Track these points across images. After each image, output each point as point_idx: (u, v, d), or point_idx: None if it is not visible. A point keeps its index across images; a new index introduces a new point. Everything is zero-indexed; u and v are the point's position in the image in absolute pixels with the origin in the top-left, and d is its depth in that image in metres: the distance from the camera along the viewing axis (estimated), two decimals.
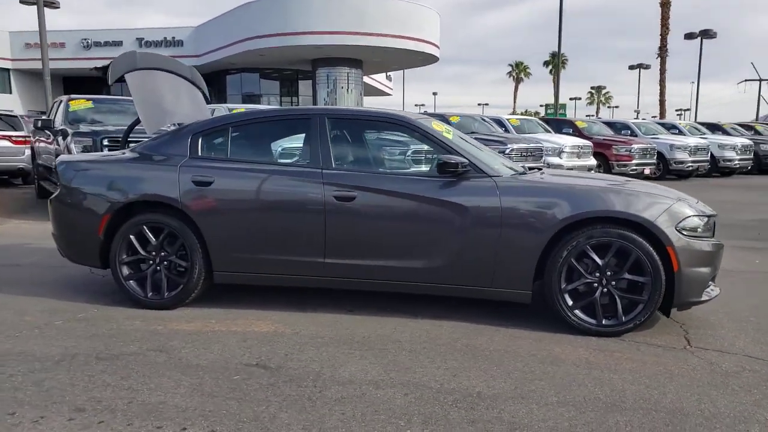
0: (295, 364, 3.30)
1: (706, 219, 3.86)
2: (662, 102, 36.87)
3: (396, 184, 4.03)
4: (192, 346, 3.53)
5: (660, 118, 31.59)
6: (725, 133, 20.67)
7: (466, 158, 3.96)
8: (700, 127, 20.92)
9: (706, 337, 3.81)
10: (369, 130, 4.54)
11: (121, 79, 4.81)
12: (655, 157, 15.83)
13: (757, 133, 21.68)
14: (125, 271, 4.27)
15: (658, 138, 17.21)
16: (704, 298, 3.84)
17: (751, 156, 18.70)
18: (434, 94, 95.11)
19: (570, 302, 3.82)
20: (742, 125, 22.47)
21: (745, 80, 40.60)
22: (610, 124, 18.54)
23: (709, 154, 17.30)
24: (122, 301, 4.34)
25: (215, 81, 35.07)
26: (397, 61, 33.44)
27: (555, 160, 13.15)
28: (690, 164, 16.60)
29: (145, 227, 4.21)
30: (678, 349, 3.61)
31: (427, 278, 4.00)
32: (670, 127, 19.61)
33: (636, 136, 17.27)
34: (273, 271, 4.17)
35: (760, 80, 39.45)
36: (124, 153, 4.64)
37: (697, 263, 3.75)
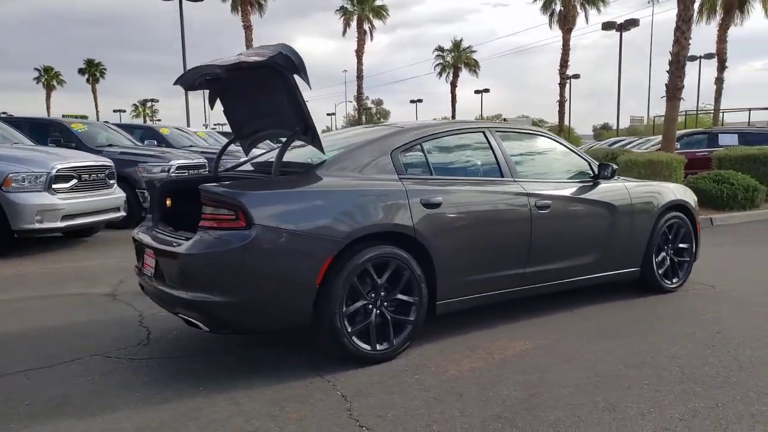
0: (620, 362, 3.57)
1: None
2: None
3: (572, 191, 4.48)
4: (531, 377, 3.32)
5: None
6: None
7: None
8: None
9: (708, 280, 5.52)
10: (522, 141, 4.60)
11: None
12: None
13: None
14: (348, 325, 3.38)
15: None
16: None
17: None
18: None
19: (662, 271, 5.04)
20: None
21: None
22: None
23: None
24: (308, 368, 3.43)
25: None
26: None
27: None
28: None
29: (370, 265, 3.43)
30: (714, 290, 5.25)
31: (590, 271, 4.60)
32: None
33: None
34: (485, 291, 4.01)
35: None
36: (288, 176, 3.52)
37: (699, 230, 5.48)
